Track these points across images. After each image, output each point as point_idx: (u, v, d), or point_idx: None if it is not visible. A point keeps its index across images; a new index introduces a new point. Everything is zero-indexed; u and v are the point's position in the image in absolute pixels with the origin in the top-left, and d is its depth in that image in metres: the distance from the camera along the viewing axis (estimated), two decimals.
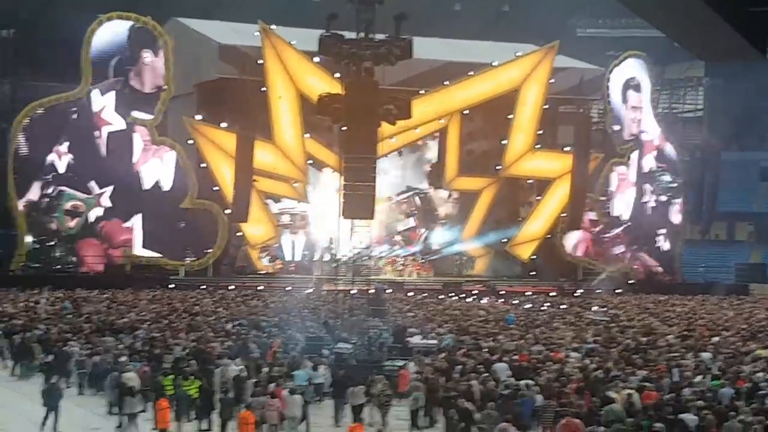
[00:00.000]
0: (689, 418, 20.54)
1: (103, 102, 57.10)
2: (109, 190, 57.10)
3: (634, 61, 67.78)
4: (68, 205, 56.64)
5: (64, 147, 56.59)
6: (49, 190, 56.36)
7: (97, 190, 57.03)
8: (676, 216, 69.16)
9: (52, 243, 56.40)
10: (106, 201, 57.26)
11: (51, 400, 24.11)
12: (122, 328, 34.07)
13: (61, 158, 56.71)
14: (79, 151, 56.64)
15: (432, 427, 24.49)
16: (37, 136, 56.26)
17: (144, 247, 57.68)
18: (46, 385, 24.91)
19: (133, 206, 57.34)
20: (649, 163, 68.31)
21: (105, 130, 57.21)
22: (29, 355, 30.85)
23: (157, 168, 57.89)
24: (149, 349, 29.68)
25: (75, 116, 56.86)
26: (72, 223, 56.73)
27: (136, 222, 57.57)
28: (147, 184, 57.75)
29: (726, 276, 68.56)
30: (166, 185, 58.06)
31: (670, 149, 69.29)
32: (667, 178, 68.69)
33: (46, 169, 56.28)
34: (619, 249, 66.68)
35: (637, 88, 67.61)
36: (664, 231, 68.33)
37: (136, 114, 57.29)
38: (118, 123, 57.33)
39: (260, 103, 56.37)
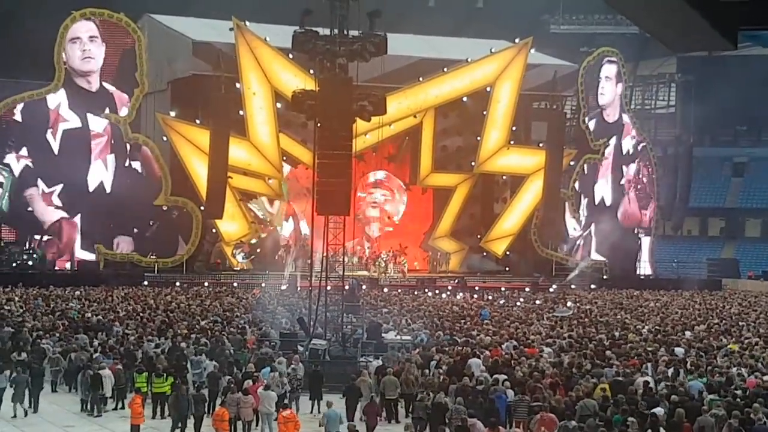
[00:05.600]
0: (662, 412, 20.64)
1: (58, 99, 56.93)
2: (58, 188, 56.73)
3: (607, 57, 67.98)
4: None
5: (23, 150, 56.47)
6: None
7: (45, 188, 56.69)
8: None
9: None
10: (56, 200, 56.89)
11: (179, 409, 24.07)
12: (96, 326, 33.95)
13: (19, 161, 56.56)
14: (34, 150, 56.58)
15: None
16: None
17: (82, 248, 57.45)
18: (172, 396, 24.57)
19: (78, 206, 57.04)
20: (627, 145, 68.91)
21: (61, 128, 56.85)
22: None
23: (100, 170, 57.51)
24: (123, 347, 29.60)
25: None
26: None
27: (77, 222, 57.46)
28: (92, 185, 57.37)
29: (698, 271, 68.98)
30: (108, 187, 57.59)
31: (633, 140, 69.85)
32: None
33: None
34: None
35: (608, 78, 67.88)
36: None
37: (108, 112, 57.13)
38: (73, 121, 57.06)
39: (234, 99, 56.23)
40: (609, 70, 67.36)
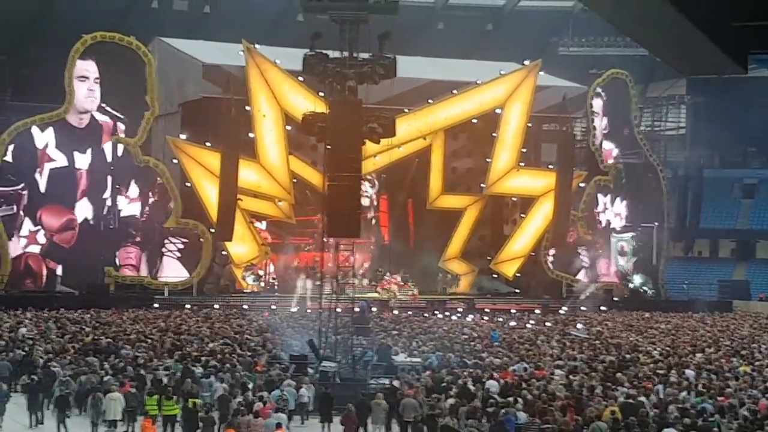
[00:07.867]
0: None
1: (45, 138, 56.81)
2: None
3: (616, 79, 68.09)
4: None
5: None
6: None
7: (32, 228, 56.47)
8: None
9: None
10: (41, 239, 56.54)
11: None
12: (106, 348, 33.94)
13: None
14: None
15: None
16: None
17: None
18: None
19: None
20: None
21: (47, 167, 56.67)
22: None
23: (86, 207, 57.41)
24: (133, 369, 29.60)
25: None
26: None
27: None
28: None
29: (709, 293, 68.70)
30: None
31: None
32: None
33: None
34: None
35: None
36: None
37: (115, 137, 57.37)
38: (60, 160, 56.96)
39: (244, 122, 56.35)
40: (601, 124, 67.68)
